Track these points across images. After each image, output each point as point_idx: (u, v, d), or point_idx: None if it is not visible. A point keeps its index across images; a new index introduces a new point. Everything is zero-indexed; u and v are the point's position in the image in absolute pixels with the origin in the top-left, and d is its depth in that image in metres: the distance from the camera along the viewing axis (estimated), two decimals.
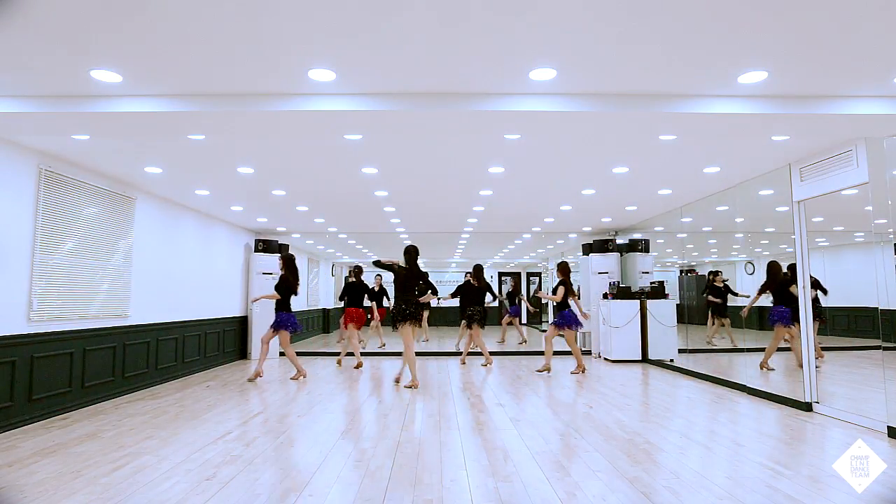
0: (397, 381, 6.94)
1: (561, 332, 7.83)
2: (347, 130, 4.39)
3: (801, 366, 5.68)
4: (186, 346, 7.69)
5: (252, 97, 3.84)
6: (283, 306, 7.35)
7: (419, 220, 9.53)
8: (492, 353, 9.40)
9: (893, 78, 3.58)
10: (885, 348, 4.59)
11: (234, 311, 9.54)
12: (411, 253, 6.78)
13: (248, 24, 2.91)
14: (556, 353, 10.52)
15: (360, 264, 9.78)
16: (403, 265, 6.75)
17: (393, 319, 6.68)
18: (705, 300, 9.39)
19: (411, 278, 6.71)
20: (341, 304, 9.48)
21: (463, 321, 9.35)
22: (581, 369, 7.89)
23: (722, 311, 8.85)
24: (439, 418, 4.98)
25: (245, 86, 3.70)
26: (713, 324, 9.12)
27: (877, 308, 4.65)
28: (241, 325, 9.72)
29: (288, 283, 7.35)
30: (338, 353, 9.65)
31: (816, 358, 5.71)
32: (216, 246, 8.90)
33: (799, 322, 5.56)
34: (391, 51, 3.20)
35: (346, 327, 9.02)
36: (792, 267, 5.96)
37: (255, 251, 10.07)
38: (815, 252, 5.92)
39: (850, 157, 4.85)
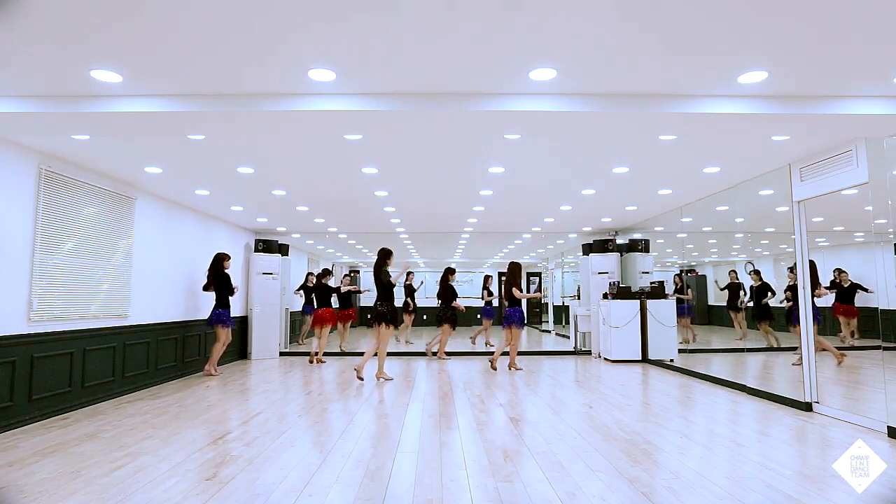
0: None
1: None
2: (347, 130, 4.39)
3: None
4: (186, 346, 7.70)
5: (252, 97, 3.84)
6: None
7: (419, 220, 9.53)
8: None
9: (893, 78, 3.59)
10: (885, 348, 4.59)
11: (234, 311, 9.54)
12: (378, 255, 7.15)
13: (249, 25, 2.91)
14: (556, 353, 10.55)
15: (327, 268, 10.06)
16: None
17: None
18: (737, 301, 8.93)
19: (376, 280, 7.11)
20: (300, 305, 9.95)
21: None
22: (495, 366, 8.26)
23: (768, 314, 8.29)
24: (439, 418, 4.98)
25: (245, 86, 3.70)
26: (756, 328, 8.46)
27: (877, 308, 4.65)
28: (241, 325, 9.71)
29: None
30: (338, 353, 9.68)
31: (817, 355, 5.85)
32: (216, 246, 8.89)
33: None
34: (391, 51, 3.20)
35: (319, 327, 9.34)
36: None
37: (255, 251, 10.07)
38: (815, 252, 5.92)
39: (850, 157, 4.85)
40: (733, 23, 2.89)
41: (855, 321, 7.27)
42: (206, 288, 7.88)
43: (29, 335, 4.82)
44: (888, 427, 4.32)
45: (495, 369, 8.13)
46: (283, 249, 10.62)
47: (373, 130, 4.39)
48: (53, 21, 2.84)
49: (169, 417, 5.06)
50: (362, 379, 7.02)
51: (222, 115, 3.97)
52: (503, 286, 8.30)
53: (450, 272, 9.67)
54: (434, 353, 9.99)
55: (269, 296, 9.90)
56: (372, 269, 7.20)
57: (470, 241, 12.39)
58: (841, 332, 7.55)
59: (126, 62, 3.33)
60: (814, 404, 5.25)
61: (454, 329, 9.67)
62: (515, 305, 8.16)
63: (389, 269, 7.23)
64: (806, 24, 2.90)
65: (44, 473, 3.45)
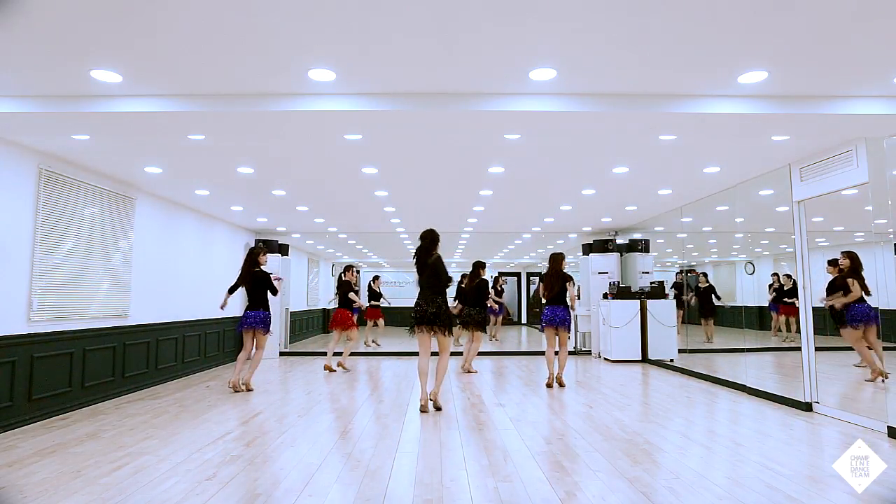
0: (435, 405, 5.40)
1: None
2: (347, 130, 4.39)
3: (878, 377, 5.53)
4: (186, 346, 7.69)
5: (252, 97, 3.84)
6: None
7: (419, 221, 9.52)
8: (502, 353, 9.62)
9: (893, 78, 3.59)
10: (886, 348, 4.59)
11: (235, 311, 9.54)
12: (424, 239, 5.54)
13: (249, 25, 2.91)
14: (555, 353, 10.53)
15: (350, 264, 9.58)
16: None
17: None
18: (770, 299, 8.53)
19: (425, 271, 5.48)
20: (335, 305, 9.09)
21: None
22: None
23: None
24: (439, 418, 4.98)
25: (245, 86, 3.70)
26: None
27: (877, 308, 4.66)
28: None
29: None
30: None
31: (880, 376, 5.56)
32: (216, 246, 8.90)
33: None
34: (391, 51, 3.20)
35: (353, 328, 8.44)
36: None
37: None
38: (815, 252, 5.92)
39: (850, 157, 4.85)
40: (733, 23, 2.89)
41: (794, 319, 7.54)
42: (231, 289, 6.47)
43: (29, 335, 4.82)
44: (888, 427, 4.32)
45: (563, 385, 6.71)
46: (283, 249, 10.62)
47: (373, 130, 4.39)
48: (53, 21, 2.84)
49: (169, 417, 5.05)
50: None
51: (222, 115, 3.97)
52: (545, 282, 6.81)
53: (480, 266, 8.06)
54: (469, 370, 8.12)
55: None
56: (418, 260, 5.51)
57: (470, 241, 12.40)
58: (780, 330, 8.08)
59: (126, 62, 3.33)
60: (814, 404, 5.25)
61: (484, 332, 8.21)
62: (560, 304, 6.76)
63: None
64: (806, 24, 2.90)
65: (44, 473, 3.45)
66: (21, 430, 4.59)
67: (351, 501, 2.98)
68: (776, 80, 3.59)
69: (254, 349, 6.49)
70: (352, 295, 8.63)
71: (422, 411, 5.20)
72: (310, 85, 3.68)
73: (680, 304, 9.37)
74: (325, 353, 10.02)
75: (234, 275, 8.17)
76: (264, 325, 6.42)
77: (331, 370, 8.09)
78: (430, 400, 5.31)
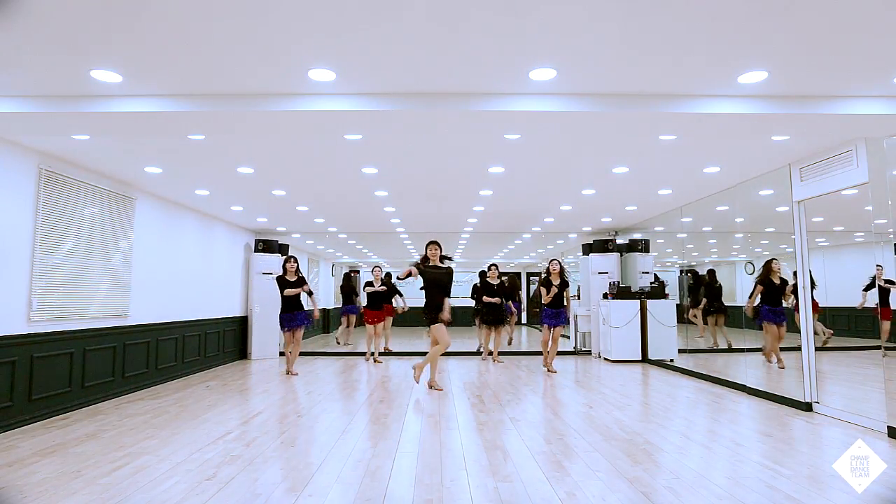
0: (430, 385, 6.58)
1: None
2: (347, 130, 4.39)
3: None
4: (186, 346, 7.69)
5: (252, 97, 3.84)
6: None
7: (419, 221, 9.53)
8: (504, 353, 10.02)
9: (893, 78, 3.59)
10: (888, 348, 4.59)
11: (234, 311, 9.55)
12: (440, 246, 6.55)
13: (249, 24, 2.91)
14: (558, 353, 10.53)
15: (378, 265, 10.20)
16: (432, 264, 6.43)
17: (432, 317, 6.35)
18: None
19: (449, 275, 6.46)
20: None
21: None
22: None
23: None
24: (439, 418, 4.98)
25: (245, 86, 3.70)
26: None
27: (877, 308, 4.65)
28: (241, 325, 9.72)
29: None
30: (371, 353, 9.54)
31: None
32: (216, 246, 8.90)
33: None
34: (391, 51, 3.20)
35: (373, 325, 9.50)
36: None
37: (255, 251, 10.08)
38: (815, 252, 5.92)
39: (850, 157, 4.85)
40: (733, 23, 2.89)
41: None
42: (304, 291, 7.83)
43: (29, 335, 4.82)
44: (888, 427, 4.32)
45: (554, 372, 8.11)
46: (283, 249, 10.61)
47: (373, 130, 4.39)
48: (53, 21, 2.84)
49: (169, 417, 5.05)
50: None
51: (222, 115, 3.97)
52: (543, 286, 8.18)
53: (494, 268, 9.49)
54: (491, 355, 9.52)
55: (269, 296, 9.90)
56: (436, 267, 6.44)
57: (470, 241, 12.40)
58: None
59: (126, 62, 3.33)
60: (814, 404, 5.25)
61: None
62: (561, 306, 8.14)
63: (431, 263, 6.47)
64: (806, 24, 2.90)
65: (44, 473, 3.45)
66: (21, 430, 4.59)
67: (351, 501, 2.98)
68: (776, 80, 3.59)
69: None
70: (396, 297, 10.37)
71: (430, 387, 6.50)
72: (310, 85, 3.68)
73: (696, 303, 9.28)
74: (324, 354, 10.09)
75: (233, 274, 8.42)
76: (308, 322, 7.94)
77: (377, 361, 9.30)
78: (435, 384, 6.56)
